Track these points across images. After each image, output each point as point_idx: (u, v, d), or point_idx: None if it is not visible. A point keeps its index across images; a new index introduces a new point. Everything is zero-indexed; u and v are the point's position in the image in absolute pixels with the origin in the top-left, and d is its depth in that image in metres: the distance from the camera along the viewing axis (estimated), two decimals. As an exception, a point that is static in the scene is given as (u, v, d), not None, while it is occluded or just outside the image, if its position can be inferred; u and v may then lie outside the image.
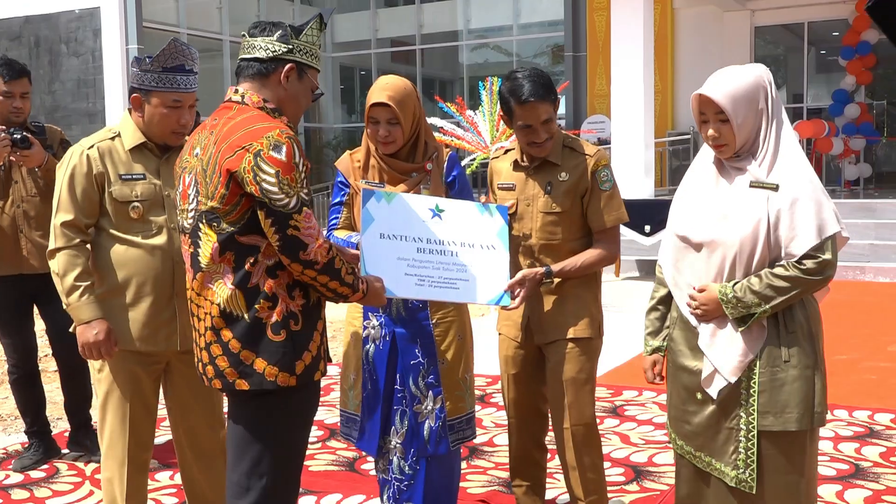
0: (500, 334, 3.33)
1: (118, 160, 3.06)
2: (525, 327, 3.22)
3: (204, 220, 2.43)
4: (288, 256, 2.36)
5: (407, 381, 3.15)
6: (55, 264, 3.03)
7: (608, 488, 3.42)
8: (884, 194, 13.36)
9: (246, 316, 2.41)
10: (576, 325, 3.13)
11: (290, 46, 2.51)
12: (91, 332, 2.97)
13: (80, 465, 4.41)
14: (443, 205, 2.98)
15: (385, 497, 3.29)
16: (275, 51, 2.49)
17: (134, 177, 3.04)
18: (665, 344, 2.89)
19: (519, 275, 3.04)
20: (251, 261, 2.40)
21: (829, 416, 4.95)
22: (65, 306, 3.05)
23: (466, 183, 3.28)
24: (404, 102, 3.05)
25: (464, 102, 10.71)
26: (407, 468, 3.19)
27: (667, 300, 2.89)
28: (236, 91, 2.53)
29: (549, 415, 3.33)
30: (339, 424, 4.95)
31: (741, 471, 2.64)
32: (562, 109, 17.41)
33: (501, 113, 3.20)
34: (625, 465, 4.22)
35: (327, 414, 5.22)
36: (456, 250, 2.92)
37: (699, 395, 2.71)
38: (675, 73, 16.49)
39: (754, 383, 2.62)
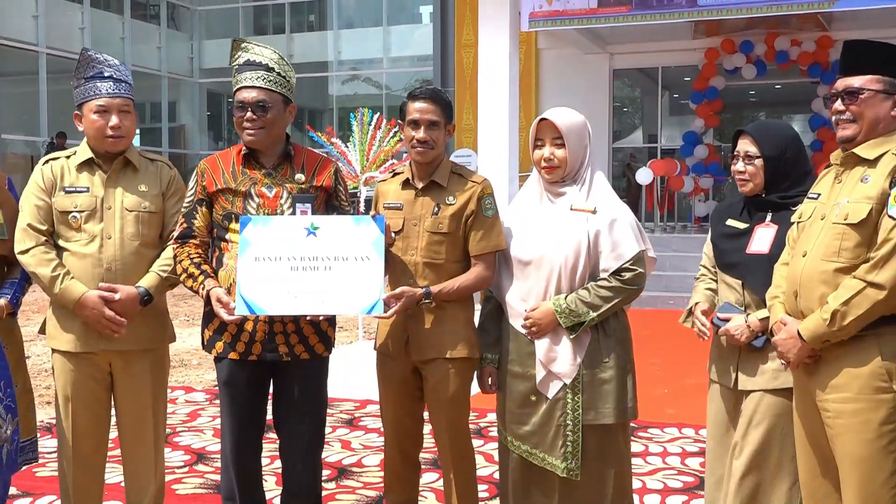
0: (378, 353, 3.42)
1: (66, 174, 3.25)
2: (404, 344, 3.31)
3: None
4: None
5: None
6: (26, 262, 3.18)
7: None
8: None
9: None
10: (453, 344, 3.25)
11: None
12: (89, 311, 3.12)
13: None
14: (318, 222, 3.11)
15: None
16: None
17: (77, 189, 3.22)
18: (496, 356, 3.23)
19: (399, 290, 3.16)
20: None
21: (677, 434, 5.29)
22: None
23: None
24: None
25: (333, 131, 10.81)
26: None
27: (496, 315, 3.26)
28: None
29: (425, 433, 3.47)
30: (204, 448, 4.95)
31: (569, 462, 3.06)
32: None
33: (399, 121, 3.36)
34: (489, 482, 4.38)
35: (194, 439, 5.18)
36: (329, 265, 3.06)
37: (533, 398, 3.11)
38: (539, 111, 17.02)
39: (578, 382, 3.05)
